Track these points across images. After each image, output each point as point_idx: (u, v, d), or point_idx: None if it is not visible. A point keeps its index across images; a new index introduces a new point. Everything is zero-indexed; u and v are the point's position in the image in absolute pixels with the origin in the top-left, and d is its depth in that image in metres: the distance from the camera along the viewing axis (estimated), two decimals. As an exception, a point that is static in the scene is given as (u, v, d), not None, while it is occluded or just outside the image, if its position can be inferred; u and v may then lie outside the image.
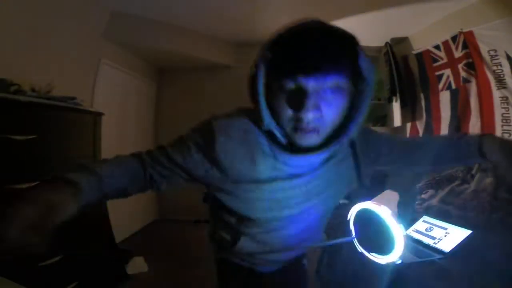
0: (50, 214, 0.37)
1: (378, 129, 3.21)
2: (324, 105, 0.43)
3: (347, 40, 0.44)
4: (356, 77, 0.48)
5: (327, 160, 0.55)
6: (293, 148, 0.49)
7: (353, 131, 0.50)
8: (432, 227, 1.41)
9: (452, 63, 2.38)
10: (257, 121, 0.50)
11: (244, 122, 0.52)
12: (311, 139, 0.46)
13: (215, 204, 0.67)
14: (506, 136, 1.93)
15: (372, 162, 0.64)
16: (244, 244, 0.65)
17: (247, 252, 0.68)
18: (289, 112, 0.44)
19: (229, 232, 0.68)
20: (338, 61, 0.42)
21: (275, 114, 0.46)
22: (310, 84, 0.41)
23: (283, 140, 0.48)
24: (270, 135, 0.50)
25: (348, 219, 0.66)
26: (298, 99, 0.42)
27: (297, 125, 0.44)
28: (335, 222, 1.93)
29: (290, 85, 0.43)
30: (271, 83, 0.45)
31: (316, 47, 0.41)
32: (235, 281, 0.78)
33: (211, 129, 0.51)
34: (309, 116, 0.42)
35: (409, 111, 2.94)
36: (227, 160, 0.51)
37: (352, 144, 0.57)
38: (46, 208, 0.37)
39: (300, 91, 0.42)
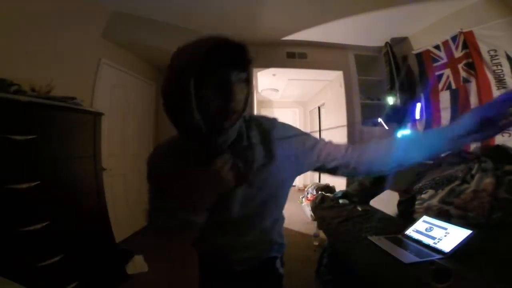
0: None
1: (378, 129, 3.22)
2: (238, 90, 0.56)
3: (242, 47, 0.55)
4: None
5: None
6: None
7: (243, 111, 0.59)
8: (432, 227, 1.41)
9: (452, 63, 2.38)
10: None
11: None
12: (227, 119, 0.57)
13: None
14: (506, 136, 1.94)
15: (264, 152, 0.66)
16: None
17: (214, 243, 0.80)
18: (216, 101, 0.54)
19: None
20: (241, 63, 0.56)
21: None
22: (232, 76, 0.55)
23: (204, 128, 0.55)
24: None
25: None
26: (224, 90, 0.54)
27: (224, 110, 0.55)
28: (335, 222, 1.94)
29: (217, 79, 0.54)
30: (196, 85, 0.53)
31: (224, 55, 0.53)
32: (212, 278, 0.87)
33: None
34: (234, 98, 0.55)
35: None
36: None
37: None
38: None
39: (225, 83, 0.54)
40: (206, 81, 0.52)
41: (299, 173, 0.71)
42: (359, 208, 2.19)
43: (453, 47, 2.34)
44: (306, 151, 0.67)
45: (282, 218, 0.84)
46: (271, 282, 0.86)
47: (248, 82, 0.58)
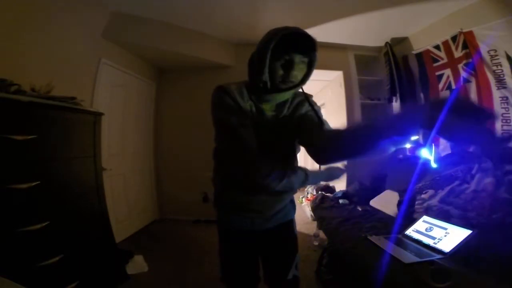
0: None
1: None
2: (299, 69, 0.79)
3: (311, 39, 0.76)
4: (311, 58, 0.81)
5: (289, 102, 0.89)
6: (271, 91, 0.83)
7: (303, 84, 0.84)
8: (432, 227, 1.41)
9: (452, 63, 2.38)
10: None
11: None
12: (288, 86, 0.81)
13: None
14: (506, 136, 1.94)
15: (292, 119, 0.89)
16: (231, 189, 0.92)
17: (234, 197, 0.93)
18: (281, 71, 0.78)
19: (223, 180, 0.94)
20: (307, 51, 0.77)
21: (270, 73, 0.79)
22: (297, 59, 0.77)
23: (268, 86, 0.80)
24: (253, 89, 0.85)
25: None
26: (289, 65, 0.77)
27: (284, 79, 0.78)
28: (335, 222, 1.94)
29: (284, 58, 0.76)
30: (272, 56, 0.76)
31: (300, 42, 0.75)
32: (234, 238, 0.99)
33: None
34: (292, 74, 0.78)
35: (409, 111, 2.94)
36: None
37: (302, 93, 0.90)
38: None
39: (291, 61, 0.77)
40: (277, 57, 0.76)
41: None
42: (359, 208, 2.20)
43: (453, 47, 2.34)
44: None
45: None
46: (288, 235, 1.04)
47: (309, 65, 0.81)
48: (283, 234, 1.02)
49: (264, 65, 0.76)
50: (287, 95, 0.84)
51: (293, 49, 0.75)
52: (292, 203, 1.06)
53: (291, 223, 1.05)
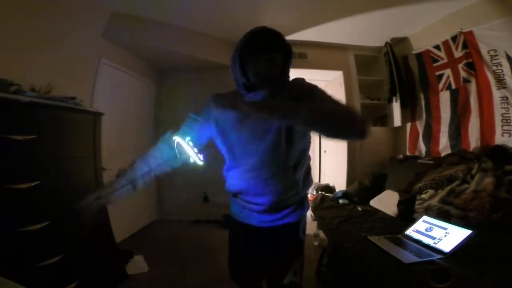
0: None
1: (378, 129, 3.22)
2: (272, 64, 0.86)
3: (278, 35, 0.84)
4: (285, 53, 0.89)
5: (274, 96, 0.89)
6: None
7: (283, 79, 0.91)
8: (432, 227, 1.41)
9: (452, 63, 2.38)
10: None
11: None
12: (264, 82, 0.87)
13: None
14: (506, 136, 1.94)
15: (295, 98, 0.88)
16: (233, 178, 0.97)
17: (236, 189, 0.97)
18: (255, 69, 0.86)
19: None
20: (274, 48, 0.85)
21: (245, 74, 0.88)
22: (265, 55, 0.84)
23: (247, 84, 0.89)
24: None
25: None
26: (261, 63, 0.85)
27: (258, 76, 0.87)
28: (335, 222, 1.94)
29: (256, 56, 0.85)
30: (244, 57, 0.86)
31: (265, 41, 0.83)
32: (240, 233, 1.02)
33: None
34: (260, 71, 0.86)
35: (409, 111, 2.94)
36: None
37: (284, 87, 0.92)
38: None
39: (260, 59, 0.84)
40: (247, 59, 0.85)
41: None
42: (359, 208, 2.20)
43: (453, 47, 2.34)
44: None
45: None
46: (291, 238, 1.00)
47: (279, 59, 0.87)
48: (285, 235, 0.98)
49: (236, 66, 0.87)
50: (275, 90, 0.87)
51: (258, 48, 0.82)
52: (301, 203, 0.99)
53: (296, 225, 0.99)
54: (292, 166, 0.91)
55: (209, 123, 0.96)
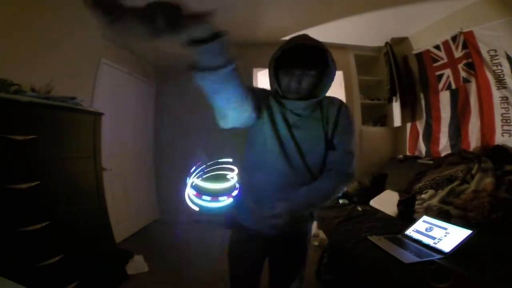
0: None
1: (378, 129, 3.22)
2: (303, 81, 0.84)
3: (320, 47, 0.82)
4: (325, 67, 0.85)
5: (307, 114, 0.90)
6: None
7: (319, 95, 0.87)
8: (432, 227, 1.41)
9: (452, 63, 2.38)
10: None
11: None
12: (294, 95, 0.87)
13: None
14: (506, 136, 1.94)
15: (332, 127, 0.90)
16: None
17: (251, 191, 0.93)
18: (285, 82, 0.86)
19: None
20: (310, 64, 0.82)
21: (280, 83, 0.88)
22: (297, 72, 0.83)
23: (280, 93, 0.89)
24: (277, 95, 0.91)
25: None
26: (290, 78, 0.84)
27: (289, 89, 0.86)
28: (335, 222, 1.94)
29: (289, 71, 0.84)
30: (279, 66, 0.86)
31: (305, 55, 0.81)
32: (243, 240, 0.98)
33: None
34: (292, 85, 0.85)
35: (409, 111, 2.94)
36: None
37: (321, 107, 0.91)
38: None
39: (292, 74, 0.83)
40: (283, 68, 0.85)
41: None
42: (359, 208, 2.20)
43: (453, 47, 2.34)
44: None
45: None
46: (300, 245, 1.01)
47: (317, 75, 0.84)
48: (294, 244, 0.99)
49: (270, 74, 0.87)
50: (303, 104, 0.86)
51: (296, 61, 0.81)
52: (312, 215, 1.01)
53: (305, 234, 1.02)
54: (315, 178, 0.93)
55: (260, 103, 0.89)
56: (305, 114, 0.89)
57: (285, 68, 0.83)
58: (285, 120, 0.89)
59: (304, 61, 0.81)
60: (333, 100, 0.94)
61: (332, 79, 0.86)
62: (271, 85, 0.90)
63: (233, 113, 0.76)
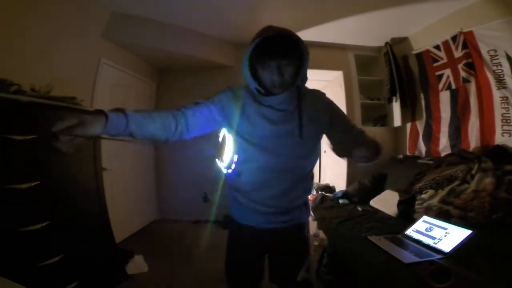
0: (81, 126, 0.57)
1: (378, 129, 3.22)
2: (285, 72, 0.81)
3: (294, 38, 0.79)
4: (300, 56, 0.83)
5: (292, 108, 0.88)
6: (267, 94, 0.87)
7: (298, 82, 0.86)
8: (432, 227, 1.41)
9: (452, 63, 2.38)
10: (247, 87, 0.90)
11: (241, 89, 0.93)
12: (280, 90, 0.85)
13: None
14: (506, 136, 1.94)
15: (313, 116, 0.90)
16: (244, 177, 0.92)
17: (246, 185, 0.93)
18: (267, 77, 0.82)
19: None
20: (288, 52, 0.79)
21: (257, 79, 0.86)
22: (277, 63, 0.79)
23: (262, 91, 0.86)
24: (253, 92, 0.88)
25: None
26: (271, 71, 0.81)
27: (271, 83, 0.83)
28: (335, 222, 1.93)
29: (266, 64, 0.80)
30: (255, 64, 0.83)
31: (278, 45, 0.78)
32: (241, 235, 1.00)
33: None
34: (273, 79, 0.82)
35: (409, 111, 2.94)
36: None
37: (299, 98, 0.89)
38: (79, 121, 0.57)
39: (272, 67, 0.80)
40: (259, 63, 0.81)
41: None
42: (359, 208, 2.20)
43: (453, 47, 2.34)
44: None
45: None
46: (297, 238, 1.02)
47: (295, 65, 0.82)
48: (294, 235, 0.99)
49: (246, 76, 0.85)
50: (286, 95, 0.85)
51: (271, 53, 0.78)
52: (306, 206, 1.03)
53: (303, 225, 1.02)
54: (308, 171, 0.96)
55: (222, 111, 0.89)
56: (290, 108, 0.87)
57: (262, 64, 0.80)
58: (267, 118, 0.86)
59: (280, 50, 0.78)
60: (313, 91, 0.96)
61: (307, 64, 0.85)
62: (249, 86, 0.86)
63: (178, 133, 0.86)
